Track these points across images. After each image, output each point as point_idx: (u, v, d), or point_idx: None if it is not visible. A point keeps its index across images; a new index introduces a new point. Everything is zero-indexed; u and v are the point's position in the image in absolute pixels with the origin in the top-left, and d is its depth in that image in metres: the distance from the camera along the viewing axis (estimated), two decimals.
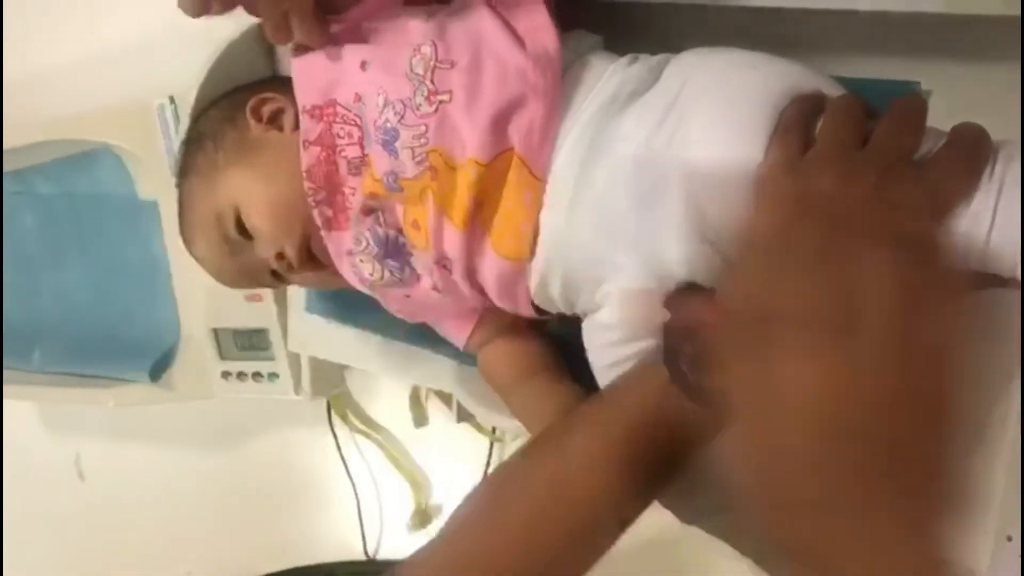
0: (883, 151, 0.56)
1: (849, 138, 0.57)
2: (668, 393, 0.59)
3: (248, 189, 0.76)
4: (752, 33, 0.68)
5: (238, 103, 0.81)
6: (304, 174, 0.73)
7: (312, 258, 0.76)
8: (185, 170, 0.82)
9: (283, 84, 0.81)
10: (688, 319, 0.59)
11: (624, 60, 0.69)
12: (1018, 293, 0.56)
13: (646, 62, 0.69)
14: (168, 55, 1.12)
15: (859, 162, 0.55)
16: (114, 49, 1.24)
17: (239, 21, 0.89)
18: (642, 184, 0.62)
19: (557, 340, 0.84)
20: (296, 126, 0.76)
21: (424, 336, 0.90)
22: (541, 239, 0.67)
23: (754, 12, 0.66)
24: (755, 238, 0.52)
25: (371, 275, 0.76)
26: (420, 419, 1.18)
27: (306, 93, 0.74)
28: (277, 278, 0.80)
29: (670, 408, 0.59)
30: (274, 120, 0.79)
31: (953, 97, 0.67)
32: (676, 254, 0.62)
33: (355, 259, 0.76)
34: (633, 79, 0.66)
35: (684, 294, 0.61)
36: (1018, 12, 0.59)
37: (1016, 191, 0.55)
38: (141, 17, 1.21)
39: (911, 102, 0.59)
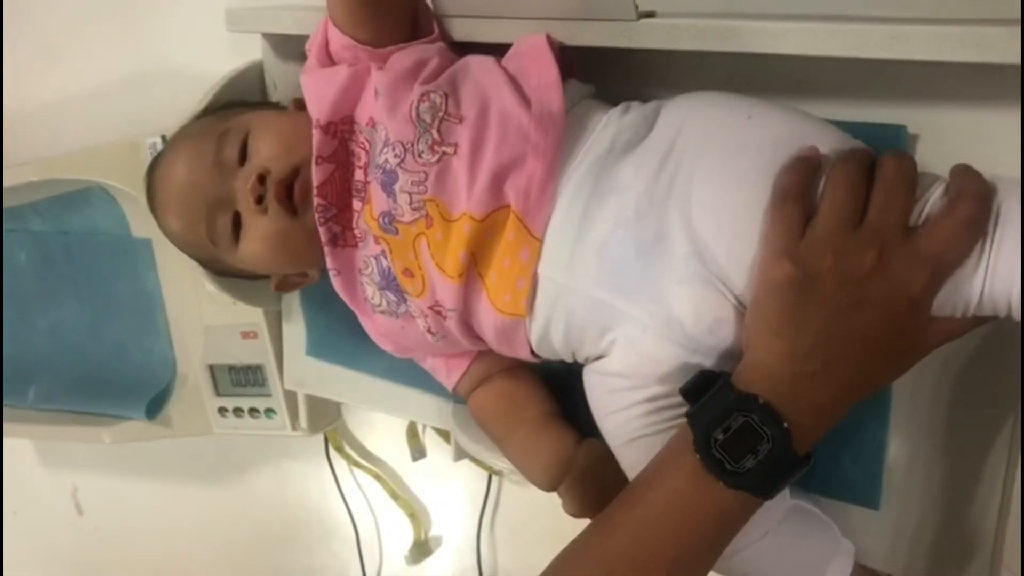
0: (880, 226, 0.57)
1: (848, 215, 0.58)
2: (701, 482, 0.58)
3: (265, 120, 0.77)
4: (738, 78, 0.69)
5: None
6: (315, 190, 0.73)
7: (290, 196, 0.74)
8: (199, 115, 0.84)
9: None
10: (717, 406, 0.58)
11: (618, 110, 0.70)
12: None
13: (639, 110, 0.68)
14: (160, 94, 1.18)
15: (859, 242, 0.57)
16: (106, 88, 1.25)
17: (231, 60, 0.94)
18: (645, 233, 0.63)
19: (550, 377, 0.83)
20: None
21: (421, 378, 0.89)
22: (540, 294, 0.67)
23: (740, 58, 0.66)
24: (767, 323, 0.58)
25: (372, 299, 0.76)
26: (417, 452, 1.18)
27: (320, 108, 0.74)
28: (236, 226, 0.76)
29: (704, 498, 0.58)
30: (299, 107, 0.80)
31: (938, 141, 0.68)
32: (681, 299, 0.62)
33: (363, 279, 0.76)
34: (628, 129, 0.67)
35: (702, 381, 0.61)
36: (991, 60, 0.59)
37: (1013, 240, 0.55)
38: (134, 56, 1.22)
39: (900, 163, 0.59)
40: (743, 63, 0.67)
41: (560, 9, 0.71)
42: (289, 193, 0.74)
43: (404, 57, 0.74)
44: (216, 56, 0.97)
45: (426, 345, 0.77)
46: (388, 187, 0.70)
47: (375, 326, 0.79)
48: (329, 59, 0.78)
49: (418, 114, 0.69)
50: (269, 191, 0.73)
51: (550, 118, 0.67)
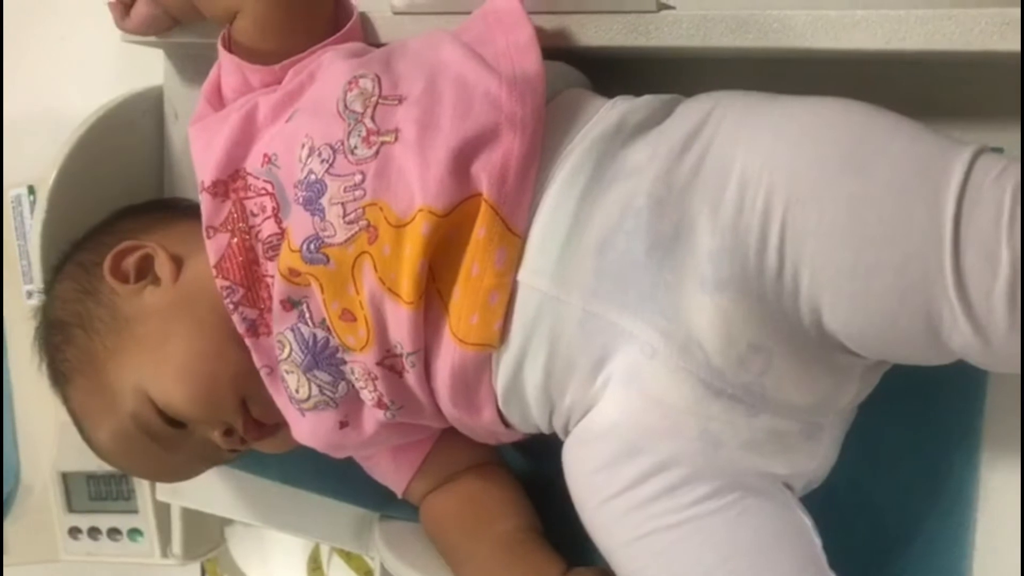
0: None
1: None
2: None
3: (151, 370, 0.65)
4: (777, 88, 0.57)
5: (90, 267, 0.70)
6: (213, 270, 0.63)
7: (263, 425, 0.67)
8: (64, 374, 0.71)
9: (136, 216, 0.73)
10: None
11: (625, 96, 0.60)
12: None
13: (655, 97, 0.59)
14: (26, 139, 1.06)
15: None
16: None
17: (101, 100, 0.85)
18: (661, 225, 0.53)
19: (528, 483, 0.72)
20: (177, 270, 0.67)
21: (335, 480, 0.79)
22: (518, 310, 0.56)
23: (780, 63, 0.57)
24: None
25: (297, 393, 0.62)
26: None
27: (206, 166, 0.65)
28: (237, 448, 0.69)
29: None
30: (143, 272, 0.68)
31: None
32: (704, 313, 0.52)
33: (283, 369, 0.63)
34: (642, 108, 0.58)
35: None
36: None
37: None
38: (16, 100, 1.11)
39: None
40: (783, 68, 0.58)
41: (563, 2, 0.61)
42: (261, 424, 0.67)
43: (307, 65, 0.65)
44: (107, 98, 0.87)
45: (377, 432, 0.64)
46: (313, 204, 0.59)
47: (305, 431, 0.66)
48: (220, 99, 0.70)
49: (346, 105, 0.60)
50: (243, 436, 0.67)
51: (526, 82, 0.57)
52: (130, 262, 0.67)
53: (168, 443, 0.67)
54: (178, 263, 0.66)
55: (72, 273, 0.70)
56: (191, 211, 0.68)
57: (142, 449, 0.67)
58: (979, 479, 0.63)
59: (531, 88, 0.57)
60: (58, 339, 0.69)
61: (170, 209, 0.75)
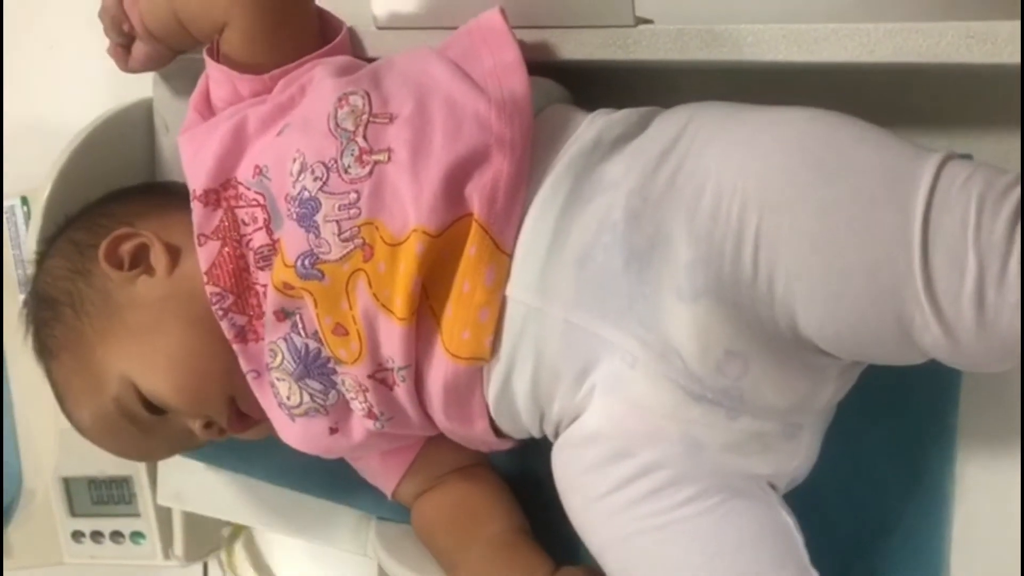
0: None
1: None
2: None
3: (139, 361, 0.65)
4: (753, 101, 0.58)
5: (84, 248, 0.69)
6: (204, 277, 0.63)
7: (246, 417, 0.67)
8: (50, 349, 0.70)
9: (133, 199, 0.72)
10: None
11: (604, 110, 0.60)
12: None
13: (633, 111, 0.60)
14: (17, 149, 1.06)
15: None
16: None
17: (92, 109, 0.85)
18: (637, 238, 0.54)
19: (516, 483, 0.72)
20: (173, 263, 0.67)
21: (332, 483, 0.78)
22: (507, 323, 0.57)
23: (755, 74, 0.58)
24: None
25: (288, 400, 0.63)
26: None
27: (197, 175, 0.64)
28: (215, 439, 0.69)
29: None
30: (138, 261, 0.67)
31: None
32: (680, 322, 0.53)
33: (273, 376, 0.63)
34: (620, 123, 0.58)
35: None
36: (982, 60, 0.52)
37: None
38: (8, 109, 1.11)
39: None
40: (758, 79, 0.59)
41: (543, 16, 0.61)
42: (246, 417, 0.66)
43: (297, 77, 0.65)
44: (99, 110, 0.87)
45: (367, 440, 0.65)
46: (307, 220, 0.59)
47: (295, 436, 0.66)
48: (209, 109, 0.70)
49: (337, 123, 0.59)
50: (225, 429, 0.67)
51: (514, 104, 0.58)
52: (126, 249, 0.66)
53: (146, 428, 0.67)
54: (174, 256, 0.66)
55: (64, 250, 0.70)
56: (187, 198, 0.67)
57: (120, 430, 0.67)
58: (955, 474, 0.64)
59: (519, 109, 0.57)
60: (47, 315, 0.69)
61: (168, 195, 0.73)
